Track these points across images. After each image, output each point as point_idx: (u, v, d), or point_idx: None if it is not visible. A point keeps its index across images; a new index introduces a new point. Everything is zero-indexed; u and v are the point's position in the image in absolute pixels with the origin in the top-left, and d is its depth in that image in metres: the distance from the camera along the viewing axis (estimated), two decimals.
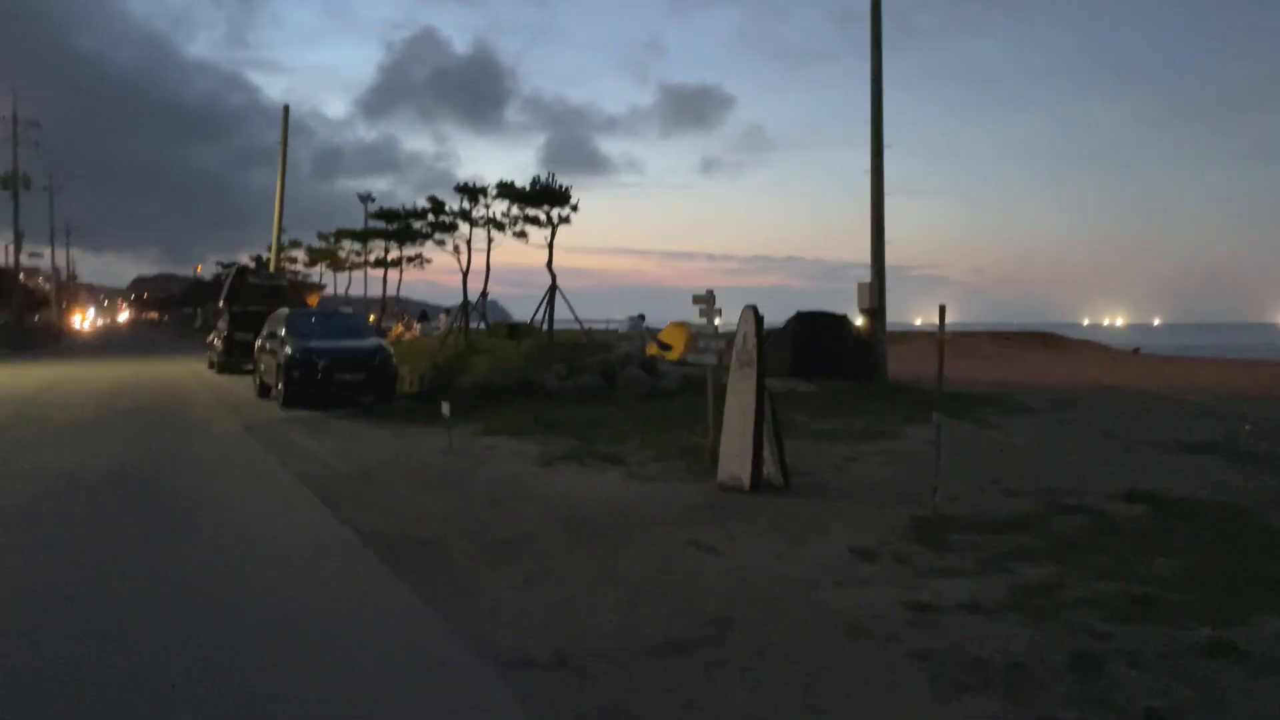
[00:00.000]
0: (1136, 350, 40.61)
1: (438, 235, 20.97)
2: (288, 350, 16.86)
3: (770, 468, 8.81)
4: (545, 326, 19.76)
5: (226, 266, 73.99)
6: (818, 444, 11.55)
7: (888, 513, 7.66)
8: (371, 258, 30.56)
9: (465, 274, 21.42)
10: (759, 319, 8.89)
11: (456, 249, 21.92)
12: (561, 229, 19.53)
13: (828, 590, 5.66)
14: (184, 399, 19.08)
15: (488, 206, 21.08)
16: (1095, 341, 42.40)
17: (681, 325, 26.44)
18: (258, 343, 19.47)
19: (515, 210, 19.22)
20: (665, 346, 23.86)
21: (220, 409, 17.10)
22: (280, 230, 32.92)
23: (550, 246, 19.27)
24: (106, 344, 56.13)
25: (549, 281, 19.84)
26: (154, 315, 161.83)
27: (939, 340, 7.59)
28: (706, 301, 9.88)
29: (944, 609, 5.22)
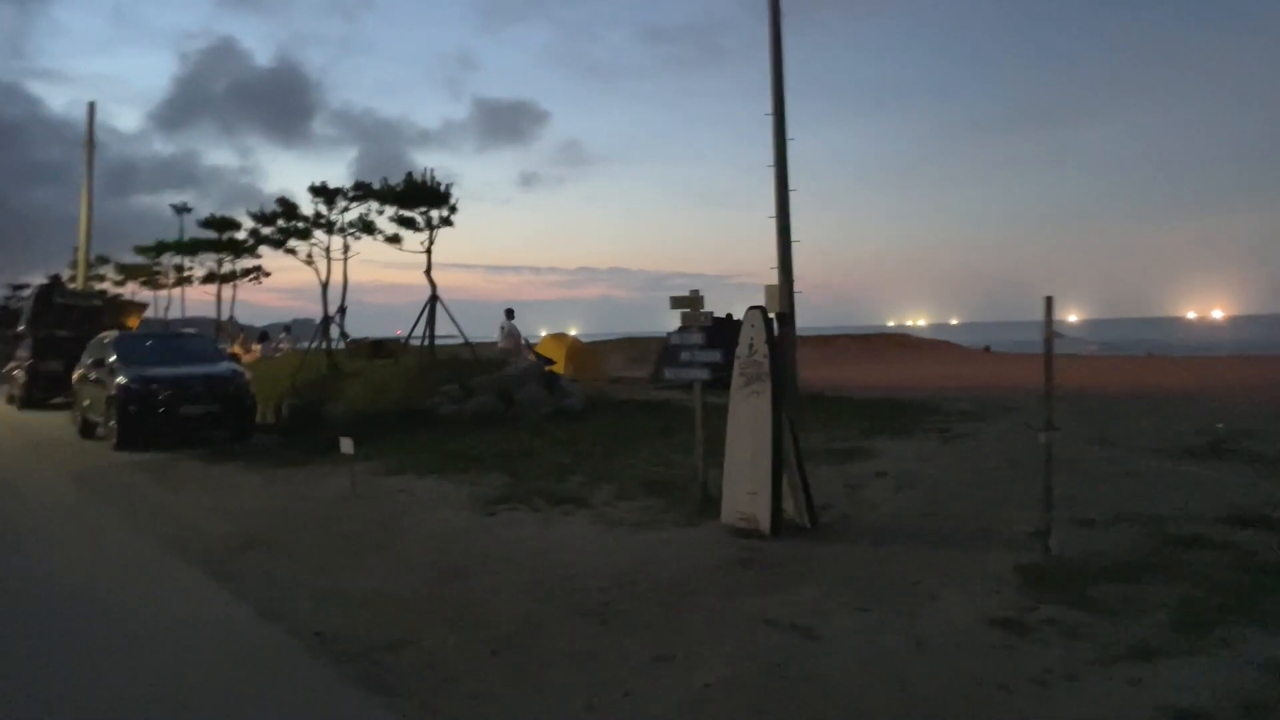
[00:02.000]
0: (987, 349, 41.63)
1: (292, 242, 18.36)
2: (120, 380, 14.03)
3: (790, 506, 7.21)
4: (425, 343, 17.52)
5: (17, 288, 66.56)
6: None
7: (974, 559, 6.19)
8: (200, 272, 27.24)
9: (325, 285, 18.90)
10: (769, 323, 7.29)
11: (310, 259, 19.36)
12: (432, 238, 17.32)
13: (1030, 696, 4.09)
14: None
15: (345, 209, 18.65)
16: (944, 340, 43.27)
17: (560, 337, 24.64)
18: (77, 373, 16.37)
19: (388, 211, 16.90)
20: (547, 361, 22.02)
21: (36, 455, 14.06)
22: (88, 243, 28.90)
23: (429, 252, 17.11)
24: None
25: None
26: None
27: (1046, 339, 6.18)
28: (692, 304, 8.19)
29: (1217, 714, 3.74)
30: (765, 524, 7.02)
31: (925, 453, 10.59)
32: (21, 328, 25.95)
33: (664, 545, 7.01)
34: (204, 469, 11.98)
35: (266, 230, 18.48)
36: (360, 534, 7.99)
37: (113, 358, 14.68)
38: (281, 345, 28.04)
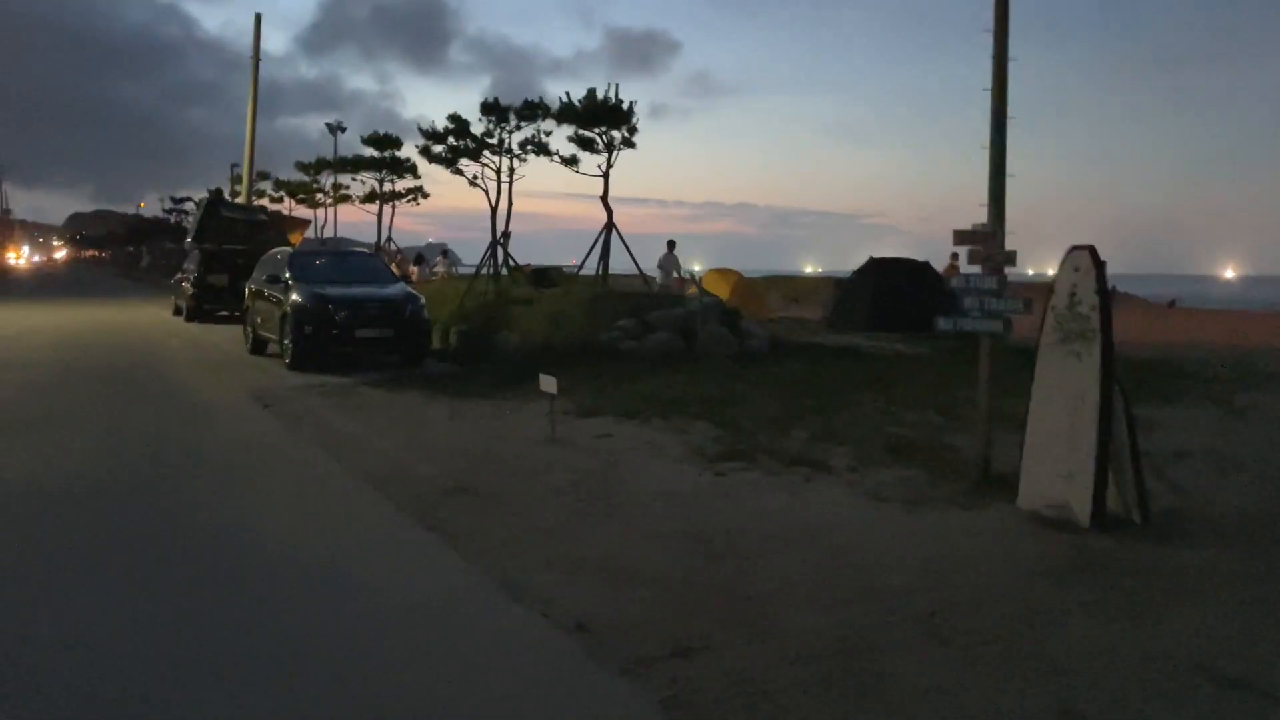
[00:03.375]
0: (1172, 303, 38.47)
1: (463, 162, 17.58)
2: (296, 298, 13.55)
3: (1113, 495, 5.88)
4: (599, 273, 16.57)
5: (178, 201, 69.03)
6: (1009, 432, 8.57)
7: None
8: (360, 191, 27.04)
9: (494, 208, 18.09)
10: (1100, 267, 5.90)
11: (475, 180, 18.56)
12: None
13: None
14: (159, 356, 15.69)
15: (518, 128, 17.71)
16: (1124, 291, 40.14)
17: (724, 272, 23.42)
18: (249, 288, 16.07)
19: (558, 132, 15.89)
20: (706, 294, 20.90)
21: (210, 371, 13.78)
22: (252, 157, 29.02)
23: (606, 175, 16.03)
24: (46, 284, 51.65)
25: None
26: (94, 254, 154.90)
27: None
28: (984, 240, 6.84)
29: None
30: (1084, 515, 5.73)
31: (1214, 426, 9.04)
32: (188, 240, 26.30)
33: (957, 533, 5.80)
34: (385, 397, 11.34)
35: (437, 148, 17.69)
36: (577, 487, 7.05)
37: (287, 274, 14.21)
38: (438, 269, 27.67)
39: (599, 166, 16.05)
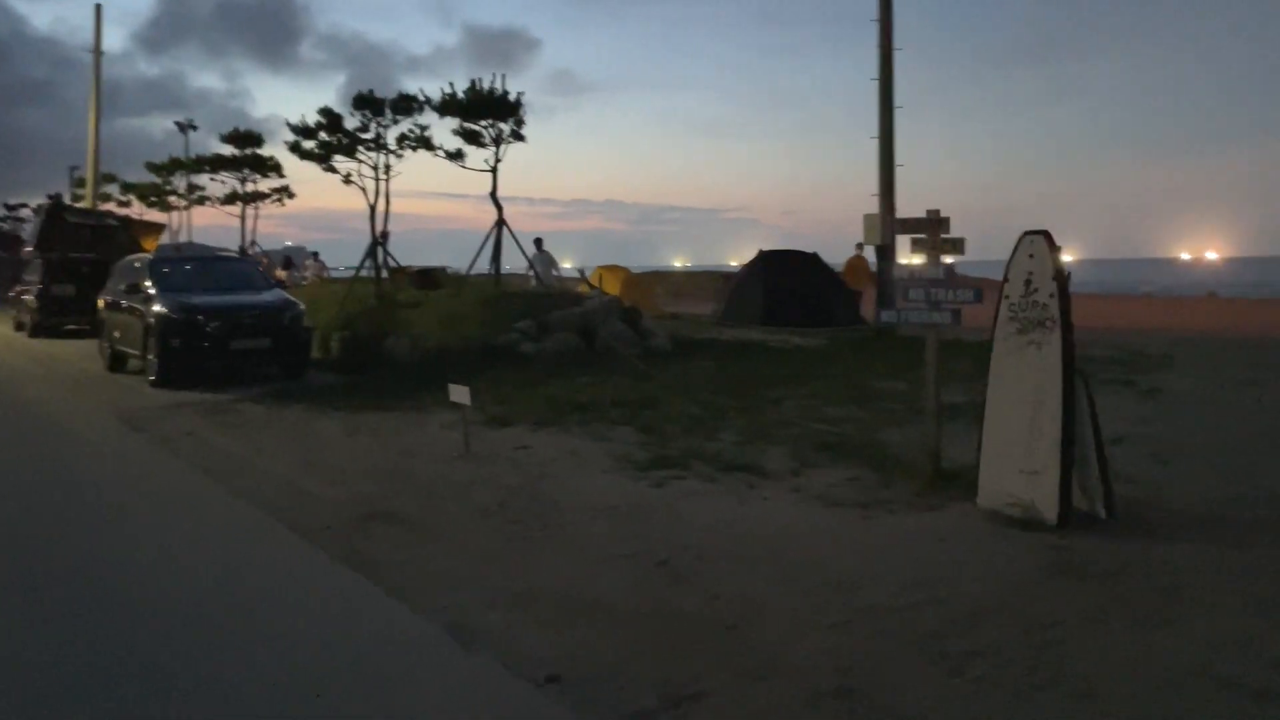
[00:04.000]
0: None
1: (336, 159, 16.52)
2: (160, 309, 12.39)
3: (1080, 491, 5.68)
4: (493, 273, 15.84)
5: (11, 208, 64.06)
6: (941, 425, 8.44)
7: None
8: (219, 192, 25.34)
9: (373, 207, 17.12)
10: (1056, 252, 5.68)
11: (349, 178, 17.52)
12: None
13: None
14: (5, 377, 14.19)
15: (395, 121, 16.82)
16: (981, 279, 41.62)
17: (614, 269, 22.99)
18: (104, 299, 14.69)
19: (452, 125, 15.07)
20: (597, 290, 20.47)
21: (67, 392, 12.49)
22: (97, 159, 26.84)
23: (494, 171, 15.33)
24: None
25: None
26: None
27: None
28: (931, 229, 6.53)
29: None
30: (1050, 512, 5.51)
31: (1134, 411, 9.09)
32: (29, 249, 24.19)
33: (925, 539, 5.50)
34: (269, 413, 10.42)
35: (308, 144, 16.61)
36: (507, 506, 6.47)
37: (149, 283, 13.01)
38: (307, 272, 26.29)
39: (486, 161, 15.34)
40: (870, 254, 17.97)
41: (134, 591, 5.00)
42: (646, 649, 4.12)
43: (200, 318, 12.18)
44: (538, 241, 20.57)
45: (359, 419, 9.88)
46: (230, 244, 28.27)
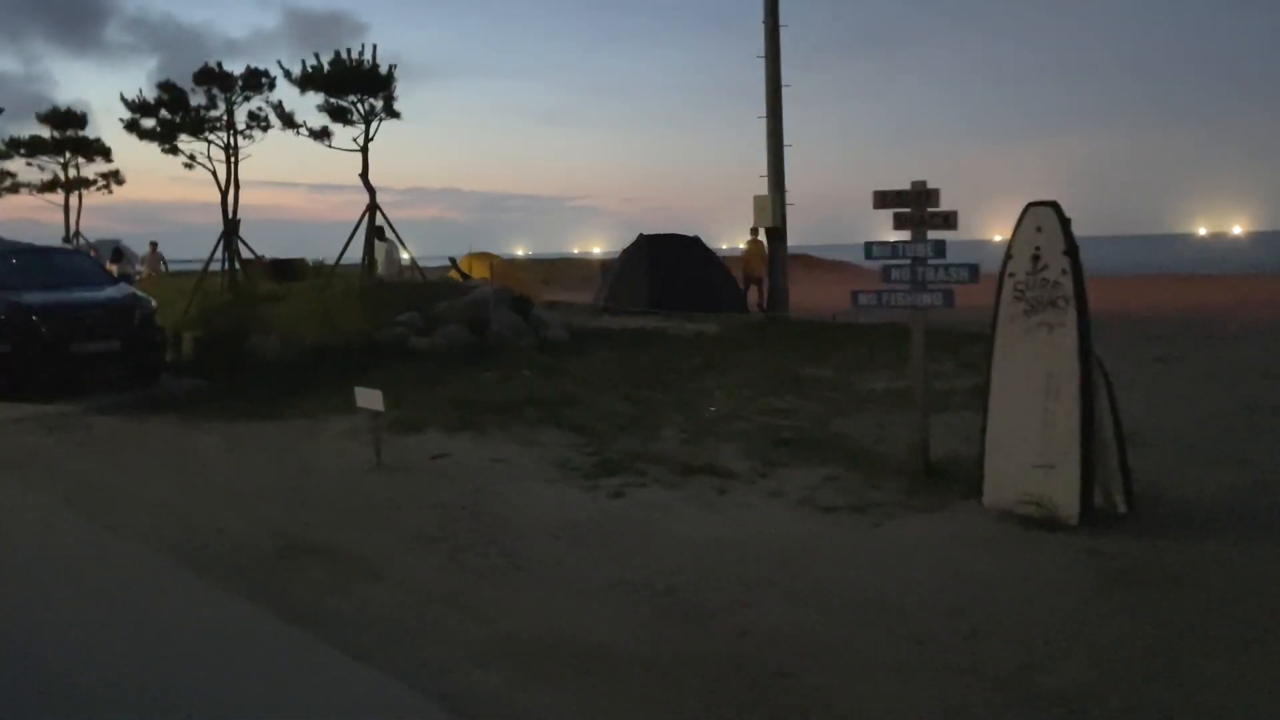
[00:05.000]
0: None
1: (180, 138, 14.85)
2: None
3: (1099, 485, 5.26)
4: (364, 262, 14.57)
5: None
6: (889, 413, 8.01)
7: None
8: (38, 178, 22.64)
9: (226, 192, 15.53)
10: (1066, 224, 5.21)
11: (192, 160, 15.83)
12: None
13: None
14: None
15: (246, 99, 15.32)
16: (845, 261, 42.39)
17: (483, 256, 21.91)
18: None
19: (294, 101, 13.70)
20: (467, 277, 19.44)
21: None
22: None
23: (365, 151, 14.07)
24: None
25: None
26: None
27: None
28: (915, 201, 5.95)
29: None
30: (1071, 510, 5.07)
31: None
32: None
33: (945, 547, 4.95)
34: (130, 428, 9.06)
35: (148, 122, 14.87)
36: (450, 530, 5.58)
37: None
38: (141, 266, 23.96)
39: (355, 140, 14.06)
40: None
41: (13, 683, 3.88)
42: (696, 709, 3.38)
43: (34, 318, 10.54)
44: (378, 231, 19.15)
45: (238, 430, 8.67)
46: (42, 238, 25.37)
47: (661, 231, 19.63)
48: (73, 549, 5.60)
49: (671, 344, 13.06)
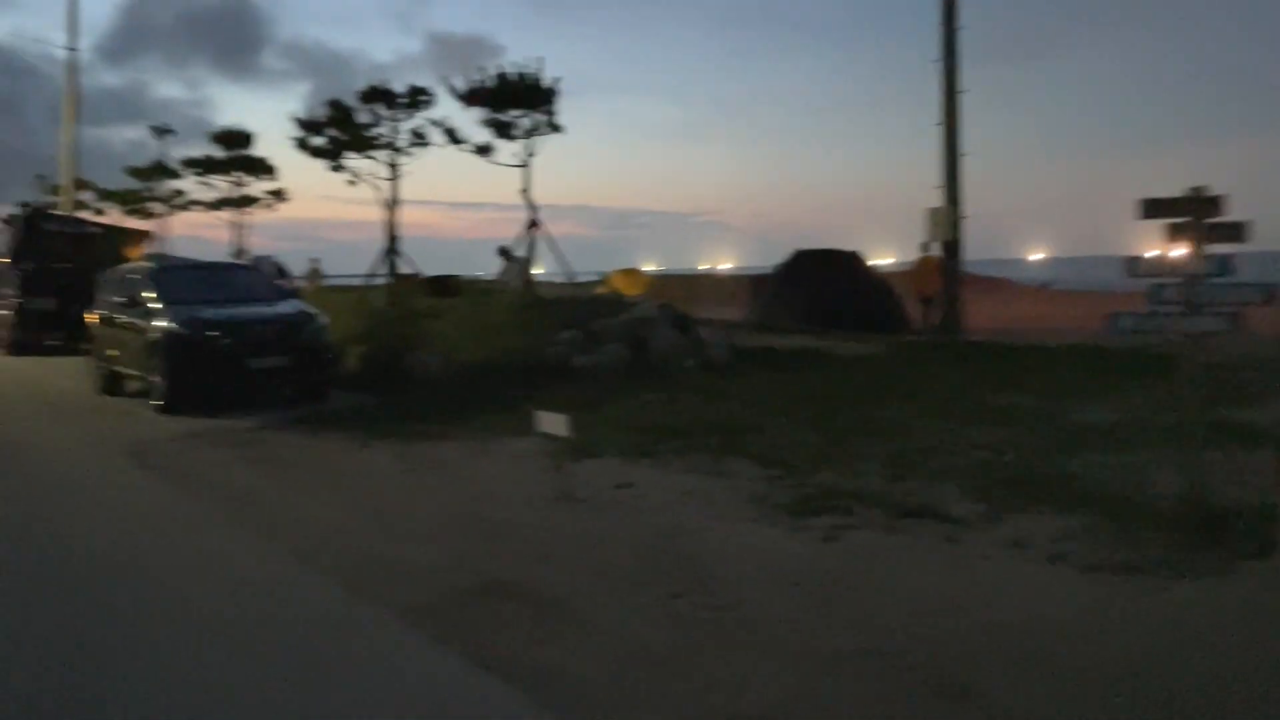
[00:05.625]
0: (1045, 286, 39.10)
1: (346, 155, 15.09)
2: (165, 323, 10.89)
3: None
4: (524, 278, 14.41)
5: None
6: (1122, 451, 7.11)
7: None
8: (208, 196, 23.67)
9: (390, 208, 15.67)
10: None
11: (355, 176, 16.04)
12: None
13: None
14: None
15: (409, 116, 15.41)
16: (1003, 278, 40.61)
17: (632, 273, 21.65)
18: (95, 313, 13.14)
19: (478, 114, 13.62)
20: (617, 293, 19.12)
21: (59, 419, 10.96)
22: (72, 162, 25.11)
23: (525, 166, 13.91)
24: None
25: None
26: None
27: None
28: (1195, 210, 5.14)
29: None
30: None
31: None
32: (5, 261, 22.50)
33: (1248, 621, 4.15)
34: (302, 444, 8.97)
35: (316, 140, 15.13)
36: (649, 570, 5.09)
37: (150, 293, 11.49)
38: (300, 281, 24.68)
39: (515, 156, 13.92)
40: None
41: None
42: None
43: (213, 333, 10.68)
44: (504, 252, 19.02)
45: (411, 451, 8.44)
46: (205, 254, 26.47)
47: (817, 247, 18.94)
48: (250, 575, 5.34)
49: (840, 366, 12.35)
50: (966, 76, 14.44)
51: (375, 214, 15.78)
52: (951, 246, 14.85)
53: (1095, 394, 9.52)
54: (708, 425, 8.73)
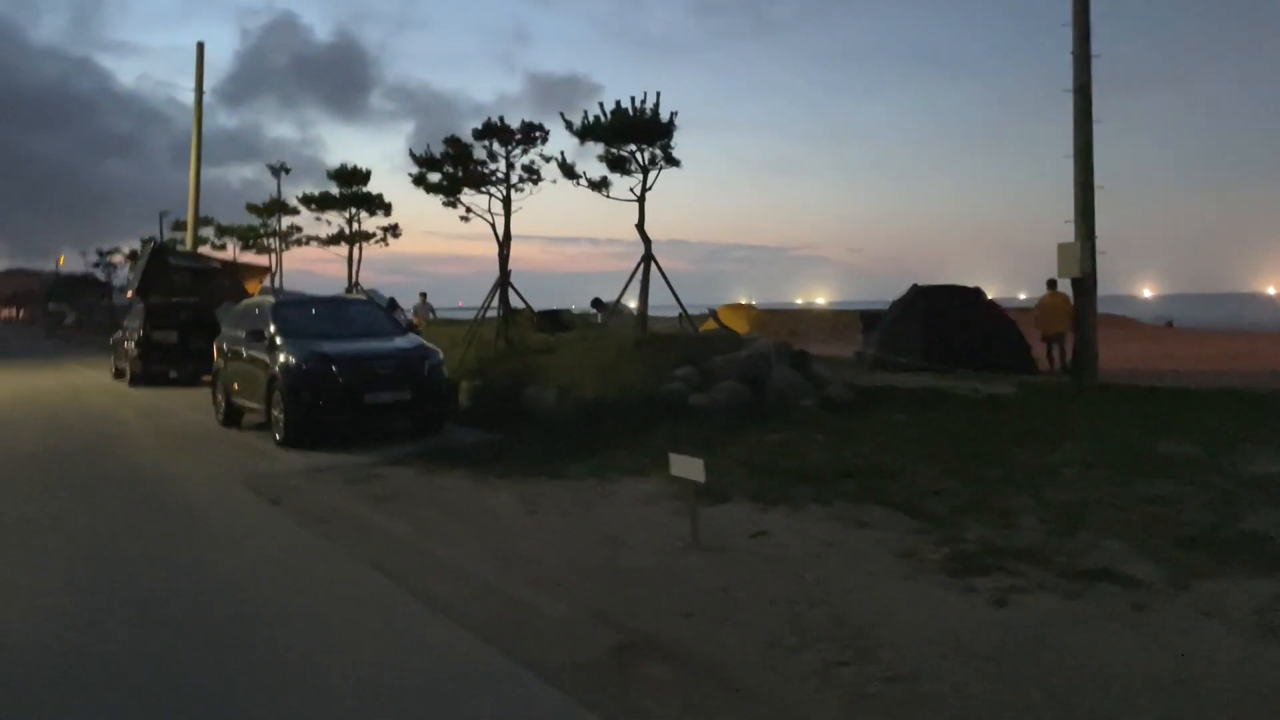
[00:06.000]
0: (1169, 324, 37.37)
1: (462, 191, 15.18)
2: (287, 358, 10.99)
3: None
4: (638, 313, 14.21)
5: (102, 255, 64.96)
6: None
7: None
8: (324, 232, 24.32)
9: (504, 242, 15.69)
10: None
11: (468, 213, 16.10)
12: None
13: None
14: (113, 432, 12.92)
15: (523, 152, 15.43)
16: (1124, 316, 38.97)
17: (739, 308, 21.31)
18: (220, 346, 13.40)
19: (598, 149, 13.51)
20: (725, 328, 18.77)
21: (182, 451, 11.11)
22: (197, 199, 26.08)
23: (641, 201, 13.74)
24: None
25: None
26: (11, 312, 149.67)
27: None
28: None
29: None
30: None
31: None
32: (129, 294, 23.40)
33: None
34: (424, 482, 8.85)
35: (434, 176, 15.26)
36: (809, 636, 4.71)
37: (272, 328, 11.63)
38: (410, 316, 25.02)
39: (631, 190, 13.77)
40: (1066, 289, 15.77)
41: None
42: None
43: (333, 368, 10.72)
44: (597, 303, 18.89)
45: (532, 491, 8.24)
46: (318, 289, 27.16)
47: (935, 283, 18.30)
48: (384, 625, 5.14)
49: (970, 407, 11.76)
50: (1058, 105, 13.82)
51: (474, 249, 15.85)
52: (1084, 283, 14.10)
53: (1264, 442, 8.78)
54: (839, 469, 8.31)
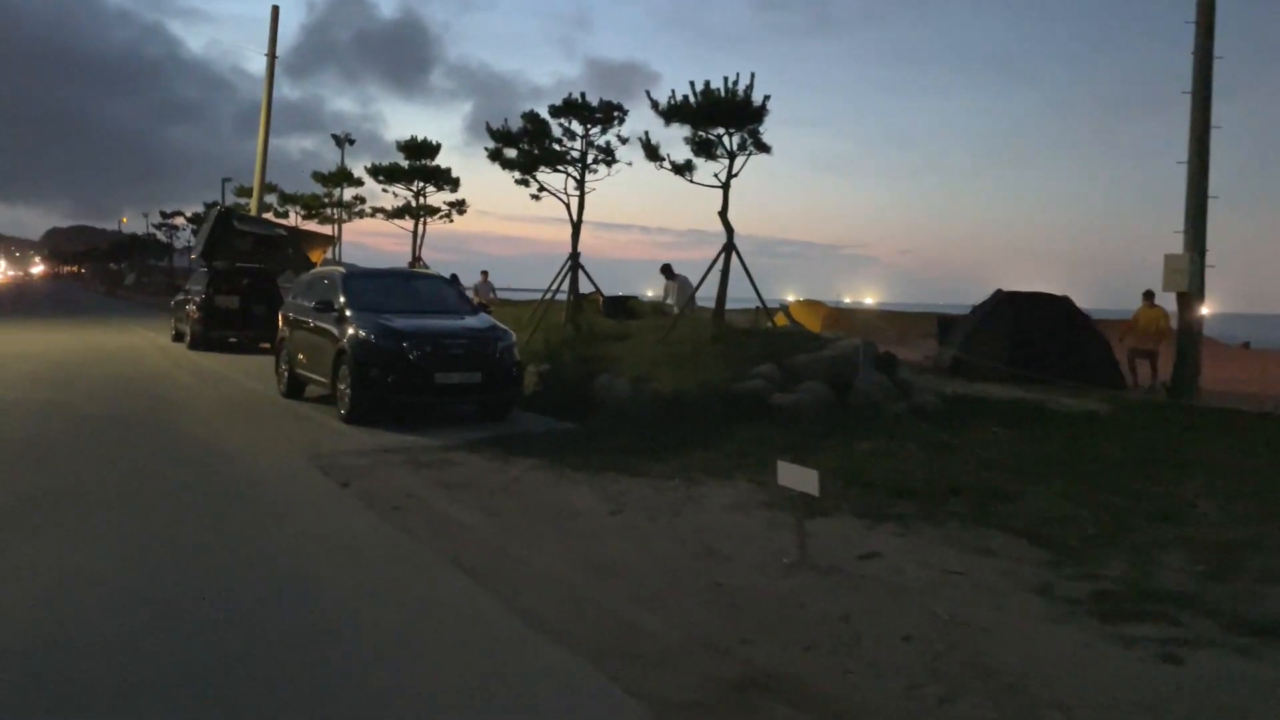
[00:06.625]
0: (1246, 345, 35.86)
1: (541, 169, 14.71)
2: (356, 332, 10.59)
3: None
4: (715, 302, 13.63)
5: (166, 217, 65.72)
6: None
7: None
8: (389, 204, 24.01)
9: (577, 224, 15.20)
10: None
11: (540, 190, 15.61)
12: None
13: None
14: (171, 397, 12.66)
15: (602, 131, 14.91)
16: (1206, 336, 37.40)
17: (813, 304, 20.65)
18: (286, 315, 13.07)
19: (686, 132, 12.94)
20: (797, 325, 18.10)
21: (243, 422, 10.77)
22: (264, 163, 25.92)
23: (726, 187, 13.15)
24: (24, 300, 48.62)
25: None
26: (74, 269, 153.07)
27: None
28: None
29: None
30: None
31: None
32: (193, 256, 23.30)
33: None
34: (496, 470, 8.38)
35: (511, 152, 14.79)
36: (948, 680, 4.14)
37: (341, 299, 11.23)
38: (471, 294, 24.65)
39: (716, 176, 13.17)
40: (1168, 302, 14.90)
41: None
42: None
43: (404, 344, 10.29)
44: (667, 269, 17.90)
45: (613, 488, 7.73)
46: (378, 263, 26.69)
47: (1022, 290, 17.48)
48: (474, 634, 4.65)
49: (1070, 424, 11.04)
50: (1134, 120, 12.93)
51: (526, 230, 15.46)
52: (1189, 298, 13.27)
53: None
54: (945, 486, 7.70)
